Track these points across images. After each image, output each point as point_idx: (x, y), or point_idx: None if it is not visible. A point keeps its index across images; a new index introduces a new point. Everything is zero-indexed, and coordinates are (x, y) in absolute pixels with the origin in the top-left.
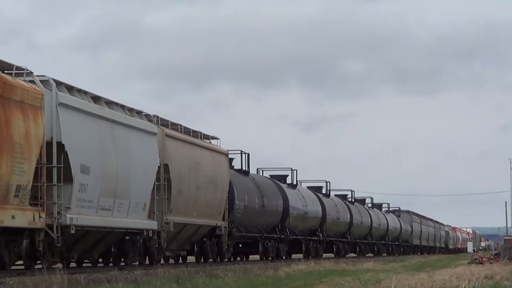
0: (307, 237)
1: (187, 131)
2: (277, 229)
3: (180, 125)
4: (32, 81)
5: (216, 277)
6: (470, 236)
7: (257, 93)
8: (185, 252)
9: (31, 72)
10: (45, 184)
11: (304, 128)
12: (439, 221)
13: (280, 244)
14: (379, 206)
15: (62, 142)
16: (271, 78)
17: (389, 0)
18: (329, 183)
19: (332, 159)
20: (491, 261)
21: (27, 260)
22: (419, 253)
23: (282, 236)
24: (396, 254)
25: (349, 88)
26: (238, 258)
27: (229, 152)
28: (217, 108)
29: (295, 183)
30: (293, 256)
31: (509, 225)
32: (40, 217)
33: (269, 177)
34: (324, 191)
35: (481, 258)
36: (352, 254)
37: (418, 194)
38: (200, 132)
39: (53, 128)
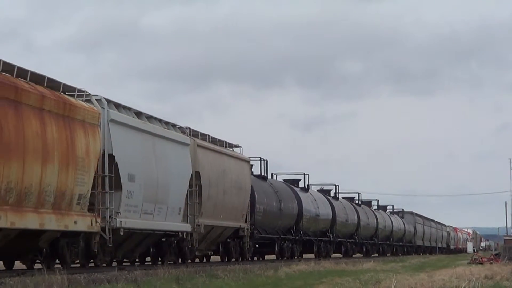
0: (319, 238)
1: (214, 140)
2: (292, 230)
3: (208, 135)
4: (89, 101)
5: (216, 277)
6: (470, 237)
7: (255, 93)
8: (212, 252)
9: (89, 93)
10: (100, 192)
11: (303, 129)
12: (439, 221)
13: (294, 245)
14: (384, 208)
15: (113, 154)
16: (269, 78)
17: (387, 0)
18: (338, 186)
19: (331, 159)
20: (491, 261)
21: (82, 259)
22: (421, 254)
23: (297, 237)
24: (400, 254)
25: (347, 89)
26: (255, 258)
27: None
28: (215, 109)
29: (307, 187)
30: (305, 256)
31: (509, 225)
32: (96, 221)
33: (283, 181)
34: (331, 194)
35: (481, 258)
36: (358, 254)
37: (418, 194)
38: (225, 141)
39: (105, 142)
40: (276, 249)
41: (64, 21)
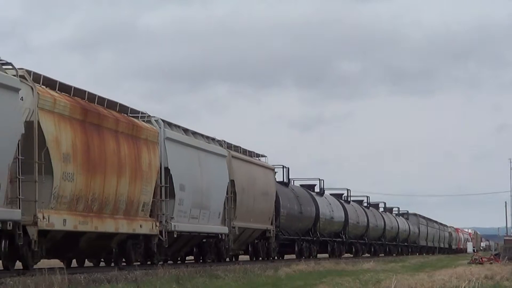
0: (333, 239)
1: (244, 151)
2: (310, 232)
3: (240, 147)
4: (149, 121)
5: (216, 277)
6: (471, 237)
7: (253, 93)
8: (242, 251)
9: (149, 115)
10: (159, 200)
11: (301, 128)
12: (440, 222)
13: (312, 245)
14: (390, 210)
15: (168, 168)
16: (266, 78)
17: (384, 1)
18: (349, 190)
19: (329, 159)
20: (491, 261)
21: (143, 258)
22: (425, 254)
23: (314, 238)
24: (405, 254)
25: (345, 89)
26: (276, 257)
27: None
28: (213, 109)
29: (322, 191)
30: (319, 255)
31: (509, 225)
32: (156, 225)
33: (300, 186)
34: (343, 197)
35: (481, 258)
36: (367, 254)
37: (418, 195)
38: (253, 152)
39: (162, 157)
40: (296, 249)
41: (60, 21)
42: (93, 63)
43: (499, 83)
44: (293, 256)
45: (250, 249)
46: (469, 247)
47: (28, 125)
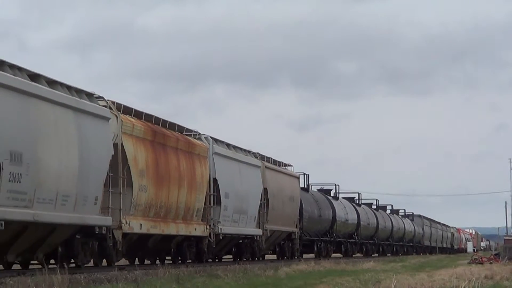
0: (347, 240)
1: (274, 161)
2: (327, 233)
3: (271, 158)
4: (200, 138)
5: (216, 277)
6: (472, 237)
7: (251, 93)
8: (270, 251)
9: (200, 133)
10: (208, 207)
11: (299, 129)
12: (441, 222)
13: (329, 245)
14: (396, 212)
15: (216, 178)
16: (264, 79)
17: (381, 0)
18: (360, 194)
19: (327, 159)
20: (491, 261)
21: (194, 257)
22: (428, 254)
23: (331, 239)
24: (411, 254)
25: (342, 89)
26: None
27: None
28: (210, 108)
29: (337, 195)
30: (333, 255)
31: (509, 225)
32: (206, 228)
33: (317, 190)
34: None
35: (481, 258)
36: (375, 254)
37: (417, 194)
38: (281, 162)
39: (211, 169)
40: (315, 249)
41: (57, 21)
42: (91, 63)
43: (496, 83)
44: (312, 255)
45: (277, 249)
46: (469, 247)
47: (114, 146)
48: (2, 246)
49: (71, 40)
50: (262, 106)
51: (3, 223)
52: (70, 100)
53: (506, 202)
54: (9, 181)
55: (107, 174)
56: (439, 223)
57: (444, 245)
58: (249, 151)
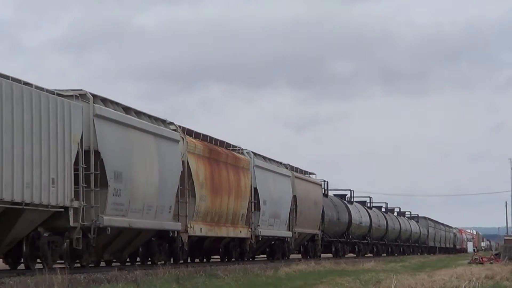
0: (361, 241)
1: (301, 171)
2: (344, 235)
3: (299, 168)
4: (242, 153)
5: (216, 277)
6: (474, 237)
7: (247, 93)
8: (297, 251)
9: (242, 149)
10: (251, 212)
11: (296, 129)
12: (441, 223)
13: (345, 246)
14: (403, 214)
15: (256, 188)
16: (260, 79)
17: (376, 1)
18: (371, 198)
19: (325, 159)
20: (491, 261)
21: (238, 256)
22: (433, 254)
23: (348, 240)
24: (418, 254)
25: (339, 89)
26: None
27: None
28: (208, 109)
29: (352, 200)
30: (346, 255)
31: (509, 225)
32: (248, 231)
33: (333, 195)
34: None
35: (481, 258)
36: (384, 254)
37: (417, 194)
38: (306, 171)
39: (252, 180)
40: (333, 249)
41: (52, 22)
42: (86, 63)
43: (493, 83)
44: (329, 255)
45: (302, 249)
46: (470, 246)
47: (182, 164)
48: (103, 247)
49: (66, 41)
50: (259, 106)
51: (109, 228)
52: (152, 127)
53: (506, 202)
54: (113, 195)
55: (178, 187)
56: (442, 224)
57: (447, 245)
58: (280, 163)
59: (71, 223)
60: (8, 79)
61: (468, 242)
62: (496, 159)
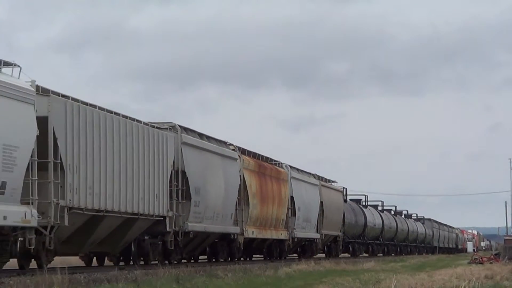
0: (374, 242)
1: (326, 180)
2: (360, 236)
3: (324, 177)
4: (281, 166)
5: (216, 277)
6: (475, 237)
7: (243, 94)
8: (321, 250)
9: (281, 162)
10: (288, 217)
11: (292, 129)
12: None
13: (361, 246)
14: (410, 216)
15: (293, 196)
16: (255, 79)
17: (371, 1)
18: (383, 202)
19: (322, 159)
20: (491, 261)
21: (277, 255)
22: (437, 253)
23: (363, 240)
24: (424, 253)
25: (335, 89)
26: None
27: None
28: (204, 109)
29: (366, 204)
30: (361, 255)
31: (509, 225)
32: (287, 234)
33: (350, 200)
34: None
35: (481, 258)
36: (392, 254)
37: (416, 194)
38: (330, 179)
39: (289, 189)
40: (351, 249)
41: (47, 22)
42: (81, 64)
43: (489, 83)
44: (347, 254)
45: (325, 249)
46: (469, 246)
47: (239, 178)
48: (182, 247)
49: (61, 41)
50: (255, 107)
51: (191, 232)
52: (219, 149)
53: (506, 202)
54: (194, 206)
55: (237, 198)
56: (445, 225)
57: (450, 245)
58: (309, 173)
59: (167, 229)
60: (127, 119)
61: (468, 242)
62: (496, 159)
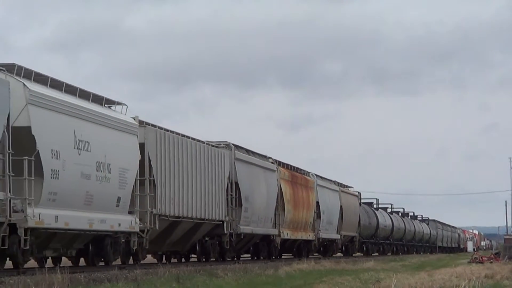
0: (385, 242)
1: (344, 186)
2: (373, 236)
3: (342, 183)
4: (308, 175)
5: (216, 276)
6: (476, 237)
7: (239, 94)
8: (340, 250)
9: (308, 172)
10: (315, 220)
11: (289, 129)
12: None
13: (373, 246)
14: (415, 217)
15: (318, 201)
16: (251, 79)
17: (367, 1)
18: (392, 204)
19: (319, 159)
20: (491, 260)
21: (305, 253)
22: (439, 252)
23: (376, 241)
24: (429, 253)
25: (331, 89)
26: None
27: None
28: (200, 109)
29: (377, 207)
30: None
31: (509, 224)
32: (314, 235)
33: (363, 203)
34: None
35: (481, 258)
36: (400, 254)
37: (415, 194)
38: (347, 185)
39: (315, 195)
40: (364, 249)
41: (41, 22)
42: (77, 64)
43: (485, 83)
44: (361, 254)
45: (343, 248)
46: (469, 246)
47: (277, 187)
48: (235, 247)
49: (56, 41)
50: (251, 106)
51: (242, 234)
52: (262, 163)
53: (506, 202)
54: (244, 212)
55: (275, 204)
56: (448, 225)
57: (453, 245)
58: (331, 180)
59: (225, 231)
60: (195, 141)
61: (468, 242)
62: (495, 158)
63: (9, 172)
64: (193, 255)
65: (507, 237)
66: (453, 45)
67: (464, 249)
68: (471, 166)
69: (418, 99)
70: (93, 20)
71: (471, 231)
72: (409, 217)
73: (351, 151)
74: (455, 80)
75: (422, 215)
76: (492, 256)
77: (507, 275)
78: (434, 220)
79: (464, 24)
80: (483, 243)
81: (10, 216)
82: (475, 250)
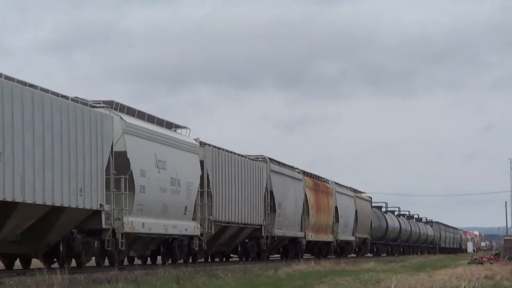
0: (393, 243)
1: (358, 191)
2: (383, 238)
3: (356, 189)
4: (328, 182)
5: (216, 277)
6: (477, 238)
7: (236, 94)
8: (353, 251)
9: (327, 179)
10: (334, 224)
11: (285, 129)
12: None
13: (383, 247)
14: (420, 220)
15: (337, 207)
16: (248, 79)
17: (363, 1)
18: (399, 207)
19: (317, 159)
20: (491, 261)
21: (325, 254)
22: (440, 253)
23: (385, 242)
24: (433, 254)
25: (327, 90)
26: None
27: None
28: (197, 110)
29: (386, 210)
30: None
31: (509, 225)
32: (333, 237)
33: (373, 207)
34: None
35: (481, 258)
36: (406, 254)
37: (415, 194)
38: (360, 190)
39: (334, 201)
40: (375, 249)
41: (36, 23)
42: (73, 65)
43: (481, 83)
44: (370, 254)
45: (356, 249)
46: (469, 246)
47: (303, 194)
48: (270, 247)
49: (51, 42)
50: (248, 107)
51: (276, 236)
52: (291, 173)
53: (506, 202)
54: (277, 217)
55: (301, 209)
56: (450, 227)
57: (455, 246)
58: (346, 187)
59: (263, 234)
60: (239, 156)
61: (468, 242)
62: (494, 159)
63: (114, 188)
64: (234, 255)
65: (507, 237)
66: (449, 46)
67: (465, 250)
68: (470, 167)
69: (415, 99)
70: (89, 21)
71: (472, 231)
72: (414, 220)
73: (347, 152)
74: (451, 81)
75: (426, 217)
76: (492, 256)
77: (507, 276)
78: (437, 222)
79: (460, 25)
80: (483, 244)
81: (113, 223)
82: (475, 250)
